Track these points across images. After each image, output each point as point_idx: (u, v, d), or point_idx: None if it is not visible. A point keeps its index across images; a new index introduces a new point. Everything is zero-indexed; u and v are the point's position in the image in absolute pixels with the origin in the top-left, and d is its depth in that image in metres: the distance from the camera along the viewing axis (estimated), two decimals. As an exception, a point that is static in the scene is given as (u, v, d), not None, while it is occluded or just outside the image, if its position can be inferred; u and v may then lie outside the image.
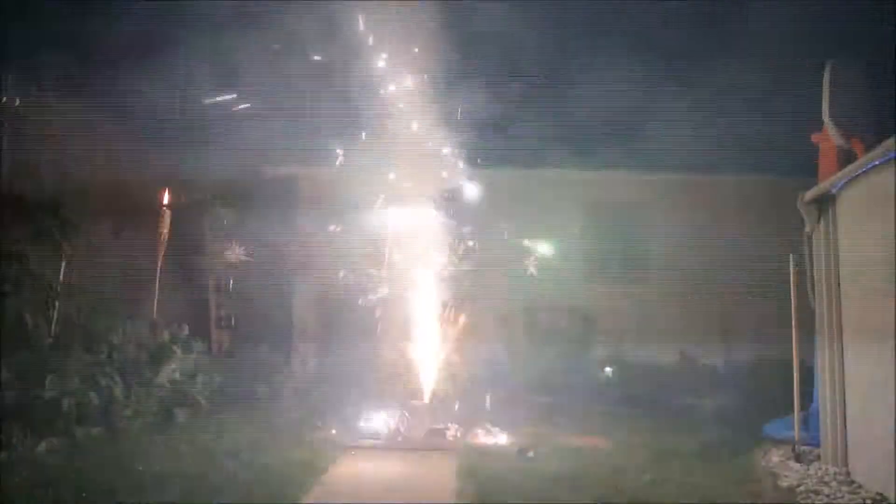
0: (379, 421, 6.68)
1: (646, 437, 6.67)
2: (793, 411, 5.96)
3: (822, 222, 5.61)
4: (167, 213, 8.14)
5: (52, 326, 6.16)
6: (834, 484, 4.86)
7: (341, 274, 10.70)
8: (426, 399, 6.74)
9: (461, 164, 8.23)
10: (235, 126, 9.95)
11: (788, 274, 6.10)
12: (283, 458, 5.32)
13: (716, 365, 10.56)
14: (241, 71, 8.74)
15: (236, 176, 11.70)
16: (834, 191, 5.39)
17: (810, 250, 5.77)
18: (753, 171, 11.44)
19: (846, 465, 5.20)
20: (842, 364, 5.34)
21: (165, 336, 7.24)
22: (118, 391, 5.92)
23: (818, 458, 5.49)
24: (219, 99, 9.25)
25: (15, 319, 5.76)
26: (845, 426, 5.25)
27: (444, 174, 7.79)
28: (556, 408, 8.71)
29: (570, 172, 11.63)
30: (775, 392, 7.34)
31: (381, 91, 7.50)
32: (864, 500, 4.48)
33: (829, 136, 5.69)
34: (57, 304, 6.08)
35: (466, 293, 7.44)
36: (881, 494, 4.46)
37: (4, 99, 6.08)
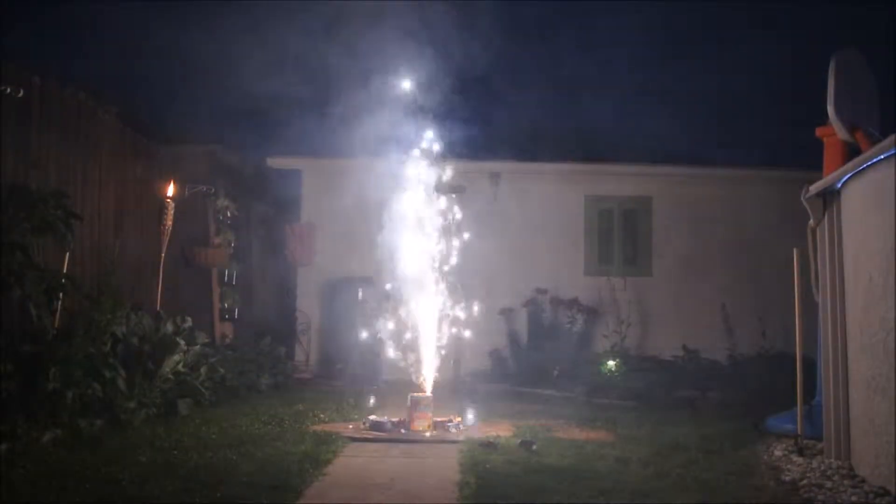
0: (382, 413, 6.70)
1: (648, 429, 6.69)
2: (796, 405, 5.97)
3: (826, 216, 5.60)
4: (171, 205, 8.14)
5: (56, 318, 6.18)
6: (837, 478, 4.86)
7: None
8: (429, 391, 6.73)
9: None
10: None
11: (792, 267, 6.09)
12: (287, 450, 5.33)
13: (718, 359, 10.59)
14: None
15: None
16: (838, 185, 5.38)
17: (814, 244, 5.76)
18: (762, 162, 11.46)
19: (849, 459, 5.20)
20: (845, 358, 5.35)
21: (169, 328, 7.25)
22: (122, 383, 5.93)
23: (821, 452, 5.50)
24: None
25: (19, 311, 5.77)
26: (848, 420, 5.26)
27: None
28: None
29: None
30: (779, 386, 7.36)
31: None
32: (866, 494, 4.48)
33: (834, 130, 5.67)
34: (61, 295, 6.09)
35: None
36: (884, 488, 4.46)
37: (9, 89, 6.06)
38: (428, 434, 6.26)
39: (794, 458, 5.46)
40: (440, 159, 7.12)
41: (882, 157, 4.55)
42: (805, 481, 4.82)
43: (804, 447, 5.65)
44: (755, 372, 9.64)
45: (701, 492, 4.55)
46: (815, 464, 5.23)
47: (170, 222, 8.14)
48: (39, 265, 5.85)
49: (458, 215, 7.16)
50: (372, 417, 6.50)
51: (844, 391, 5.32)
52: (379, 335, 7.08)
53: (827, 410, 5.45)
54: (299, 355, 11.23)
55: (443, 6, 8.04)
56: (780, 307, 9.78)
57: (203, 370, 7.23)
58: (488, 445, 5.70)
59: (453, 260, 7.03)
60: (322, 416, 7.02)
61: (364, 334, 7.64)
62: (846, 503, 4.38)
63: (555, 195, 11.70)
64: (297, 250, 11.44)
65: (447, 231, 7.08)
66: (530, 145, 11.74)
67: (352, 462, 5.21)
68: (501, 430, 6.47)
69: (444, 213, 7.08)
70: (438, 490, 4.49)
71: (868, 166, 4.80)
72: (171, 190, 8.31)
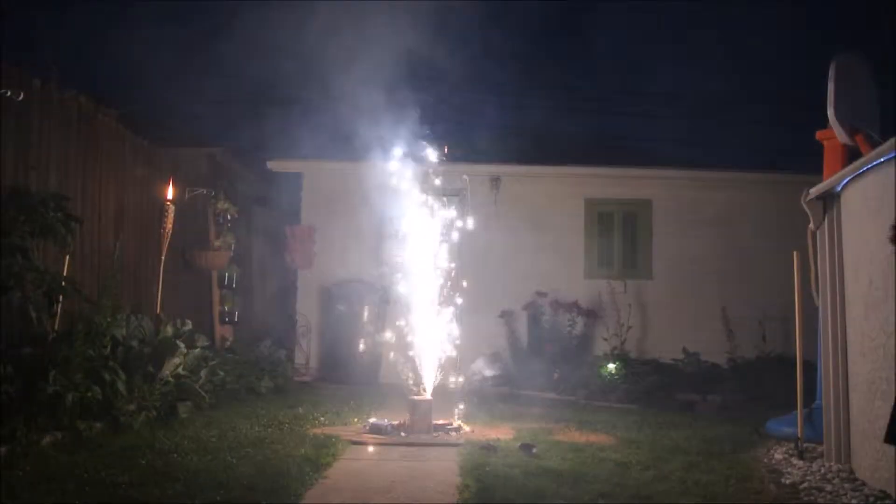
0: (382, 416, 6.70)
1: (648, 433, 6.69)
2: (796, 408, 5.97)
3: (826, 220, 5.60)
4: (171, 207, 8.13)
5: (56, 320, 6.17)
6: (837, 481, 4.86)
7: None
8: (429, 394, 6.73)
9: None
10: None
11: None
12: (287, 453, 5.33)
13: (719, 362, 10.58)
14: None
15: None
16: (838, 188, 5.38)
17: (814, 247, 5.76)
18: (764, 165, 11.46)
19: (849, 462, 5.20)
20: (845, 361, 5.35)
21: (169, 330, 7.25)
22: (121, 386, 5.93)
23: (821, 455, 5.50)
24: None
25: (19, 313, 5.77)
26: (848, 423, 5.26)
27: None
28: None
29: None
30: (779, 389, 7.35)
31: None
32: (866, 497, 4.47)
33: (834, 133, 5.68)
34: (61, 297, 6.08)
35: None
36: (884, 492, 4.46)
37: (9, 91, 6.06)
38: (428, 437, 6.26)
39: (795, 461, 5.46)
40: (440, 162, 7.12)
41: (882, 159, 4.56)
42: (805, 484, 4.82)
43: (804, 450, 5.65)
44: (755, 375, 9.64)
45: (701, 495, 4.55)
46: (815, 467, 5.23)
47: (170, 225, 8.12)
48: (39, 268, 5.84)
49: (458, 218, 7.16)
50: (372, 420, 6.50)
51: (845, 394, 5.32)
52: (379, 338, 7.08)
53: (827, 414, 5.45)
54: (299, 358, 11.22)
55: (443, 9, 8.05)
56: (780, 310, 9.80)
57: (203, 373, 7.22)
58: (488, 448, 5.70)
59: (453, 263, 7.03)
60: (322, 419, 7.01)
61: (364, 337, 7.65)
62: (846, 506, 4.39)
63: (555, 198, 11.70)
64: (297, 253, 11.44)
65: (447, 234, 7.08)
66: (531, 148, 11.75)
67: (352, 465, 5.20)
68: (501, 433, 6.46)
69: (444, 217, 7.08)
70: (438, 493, 4.49)
71: (868, 169, 4.80)
72: (171, 192, 8.30)
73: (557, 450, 5.77)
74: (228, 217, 10.35)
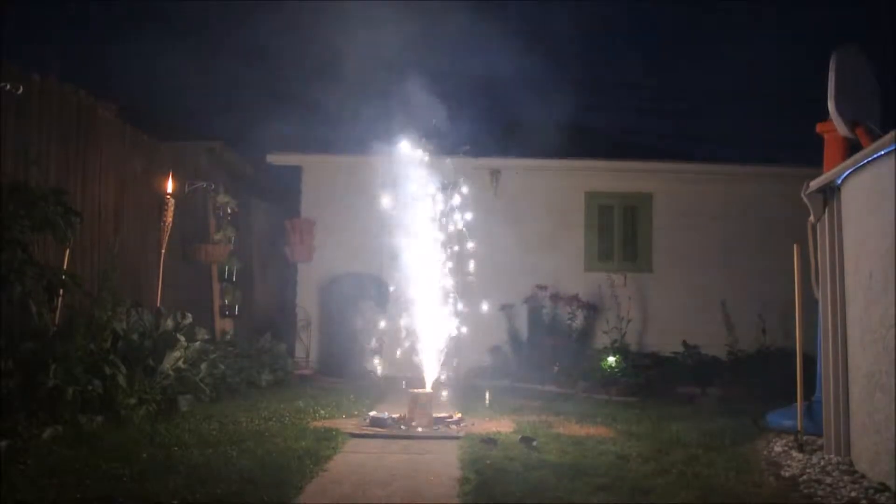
0: (383, 409, 6.71)
1: (648, 426, 6.70)
2: (796, 401, 5.98)
3: (826, 212, 5.60)
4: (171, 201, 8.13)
5: (57, 315, 6.17)
6: (836, 473, 4.87)
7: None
8: (429, 387, 6.74)
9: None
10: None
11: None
12: (287, 446, 5.34)
13: (718, 355, 10.59)
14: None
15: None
16: (839, 181, 5.37)
17: (814, 240, 5.76)
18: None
19: (849, 454, 5.21)
20: (845, 354, 5.35)
21: (169, 324, 7.25)
22: (122, 379, 5.93)
23: (821, 447, 5.51)
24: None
25: (19, 308, 5.77)
26: (848, 416, 5.26)
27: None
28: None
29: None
30: (778, 382, 7.36)
31: None
32: (866, 489, 4.48)
33: (835, 126, 5.67)
34: (61, 292, 6.08)
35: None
36: (883, 484, 4.47)
37: (8, 86, 6.04)
38: (428, 430, 6.27)
39: (794, 453, 5.47)
40: (440, 155, 7.12)
41: (882, 152, 4.55)
42: (805, 477, 4.83)
43: (804, 443, 5.66)
44: (755, 368, 9.66)
45: (701, 488, 4.55)
46: (814, 459, 5.24)
47: (170, 219, 8.13)
48: (40, 262, 5.84)
49: (459, 211, 7.15)
50: (372, 413, 6.51)
51: (844, 387, 5.33)
52: (379, 331, 7.08)
53: (827, 406, 5.46)
54: (300, 351, 11.24)
55: (441, 5, 8.04)
56: (780, 303, 9.79)
57: (203, 366, 7.22)
58: (489, 442, 5.71)
59: (453, 256, 7.03)
60: (322, 412, 7.02)
61: (364, 330, 7.64)
62: (846, 499, 4.39)
63: (555, 191, 11.70)
64: (297, 246, 11.44)
65: (447, 227, 7.08)
66: (531, 141, 11.73)
67: (352, 458, 5.21)
68: (502, 426, 6.48)
69: (443, 210, 7.07)
70: (439, 486, 4.50)
71: (868, 162, 4.80)
72: (171, 186, 8.30)
73: (557, 443, 5.78)
74: (228, 210, 10.35)
